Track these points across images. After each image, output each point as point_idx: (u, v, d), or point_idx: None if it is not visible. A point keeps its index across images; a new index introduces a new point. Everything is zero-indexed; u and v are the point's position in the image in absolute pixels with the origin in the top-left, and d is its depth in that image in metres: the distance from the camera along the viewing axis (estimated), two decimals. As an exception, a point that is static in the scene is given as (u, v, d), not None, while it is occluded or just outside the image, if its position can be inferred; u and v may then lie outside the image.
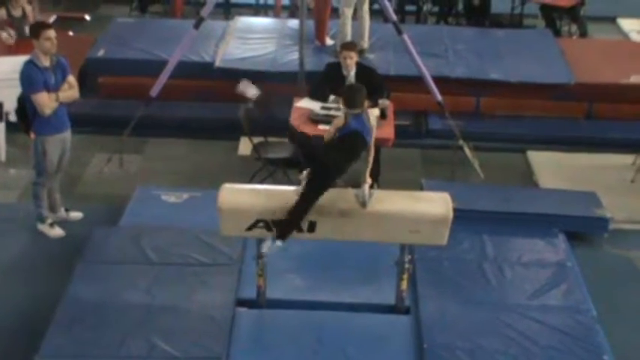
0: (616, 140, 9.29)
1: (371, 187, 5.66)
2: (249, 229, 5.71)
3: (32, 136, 7.07)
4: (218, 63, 9.74)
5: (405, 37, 8.65)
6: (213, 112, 9.50)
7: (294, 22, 10.24)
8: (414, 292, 6.38)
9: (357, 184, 5.70)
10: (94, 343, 5.71)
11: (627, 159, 8.80)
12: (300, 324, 6.04)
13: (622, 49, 11.13)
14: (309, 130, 7.56)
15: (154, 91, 8.49)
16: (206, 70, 9.69)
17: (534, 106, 9.69)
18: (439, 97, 8.61)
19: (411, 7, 12.71)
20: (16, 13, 9.93)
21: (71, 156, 7.40)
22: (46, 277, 6.72)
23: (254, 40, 10.40)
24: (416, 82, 8.89)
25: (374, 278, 6.51)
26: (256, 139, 8.14)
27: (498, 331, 6.02)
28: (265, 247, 5.79)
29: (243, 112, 8.11)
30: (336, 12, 10.58)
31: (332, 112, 7.51)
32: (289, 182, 7.19)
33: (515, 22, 12.55)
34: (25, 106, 7.02)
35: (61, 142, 7.14)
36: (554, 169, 8.76)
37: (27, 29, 9.69)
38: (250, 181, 7.85)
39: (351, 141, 5.57)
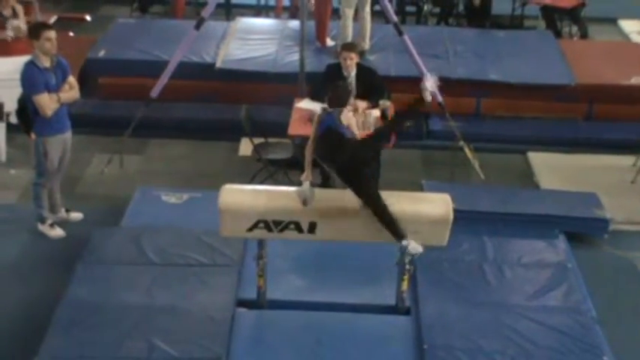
0: (616, 141, 9.28)
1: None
2: (250, 229, 5.72)
3: (33, 136, 7.07)
4: (219, 64, 9.74)
5: (406, 37, 8.66)
6: (213, 112, 9.50)
7: (294, 23, 10.23)
8: (414, 292, 6.38)
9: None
10: (94, 344, 5.71)
11: (627, 160, 8.81)
12: (300, 325, 6.05)
13: (623, 51, 11.12)
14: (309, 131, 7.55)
15: (155, 92, 8.50)
16: (207, 70, 9.69)
17: (535, 107, 9.68)
18: (440, 98, 8.61)
19: (411, 8, 12.71)
20: (6, 12, 9.90)
21: (72, 156, 7.40)
22: (46, 278, 6.72)
23: (255, 40, 10.40)
24: (416, 83, 8.85)
25: (374, 279, 6.51)
26: (257, 140, 8.14)
27: (498, 332, 6.02)
28: (411, 252, 5.70)
29: (244, 113, 8.11)
30: (336, 13, 10.59)
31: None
32: (290, 183, 7.19)
33: (515, 23, 12.54)
34: (25, 106, 7.03)
35: (61, 143, 7.14)
36: (554, 170, 8.76)
37: (13, 23, 9.74)
38: (251, 181, 7.85)
39: (330, 137, 5.62)
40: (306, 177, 5.70)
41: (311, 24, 10.03)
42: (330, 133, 5.62)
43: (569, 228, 7.43)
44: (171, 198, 7.68)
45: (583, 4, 12.13)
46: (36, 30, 6.93)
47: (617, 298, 6.76)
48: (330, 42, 10.30)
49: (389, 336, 5.97)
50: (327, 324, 6.05)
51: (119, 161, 8.50)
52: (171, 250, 6.79)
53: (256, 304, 6.20)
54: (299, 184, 5.72)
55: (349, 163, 5.56)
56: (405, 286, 6.12)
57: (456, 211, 5.72)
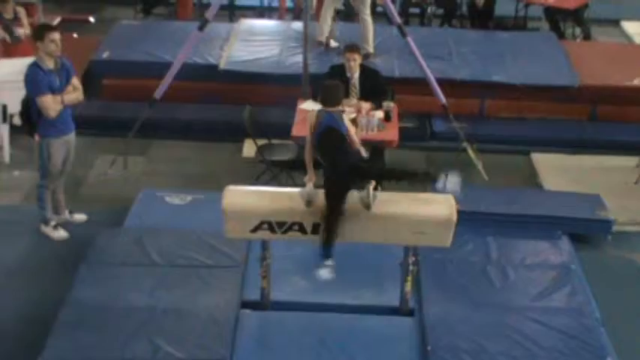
0: (620, 142, 9.29)
1: (375, 188, 5.66)
2: (254, 231, 5.71)
3: (37, 138, 7.08)
4: (222, 65, 9.75)
5: (410, 39, 8.66)
6: (217, 114, 9.50)
7: (298, 25, 10.25)
8: (418, 293, 6.38)
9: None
10: (98, 346, 5.71)
11: (631, 161, 8.80)
12: (304, 326, 6.04)
13: (626, 52, 11.14)
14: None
15: (158, 93, 8.51)
16: (210, 72, 9.70)
17: (538, 109, 9.69)
18: (443, 100, 8.61)
19: (415, 10, 12.71)
20: (8, 15, 9.91)
21: (75, 158, 7.40)
22: (49, 279, 6.72)
23: (258, 42, 10.41)
24: (420, 84, 8.89)
25: (378, 280, 6.51)
26: (260, 142, 8.15)
27: (502, 333, 6.01)
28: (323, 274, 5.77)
29: (247, 114, 8.11)
30: (338, 14, 10.59)
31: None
32: (293, 184, 7.20)
33: (519, 24, 12.55)
34: (29, 108, 7.03)
35: (65, 145, 7.14)
36: (558, 171, 8.75)
37: (18, 31, 9.75)
38: (254, 183, 7.85)
39: (328, 138, 5.60)
40: (310, 178, 5.71)
41: (314, 25, 10.02)
42: (330, 133, 5.60)
43: (572, 229, 7.43)
44: (174, 199, 7.68)
45: (586, 6, 12.14)
46: (40, 31, 6.93)
47: (620, 299, 6.75)
48: (333, 43, 10.29)
49: (393, 337, 5.96)
50: (330, 325, 6.05)
51: (123, 162, 8.51)
52: (175, 252, 6.79)
53: (260, 305, 6.20)
54: (302, 185, 5.72)
55: (344, 169, 5.55)
56: (408, 287, 6.12)
57: (459, 212, 5.71)
